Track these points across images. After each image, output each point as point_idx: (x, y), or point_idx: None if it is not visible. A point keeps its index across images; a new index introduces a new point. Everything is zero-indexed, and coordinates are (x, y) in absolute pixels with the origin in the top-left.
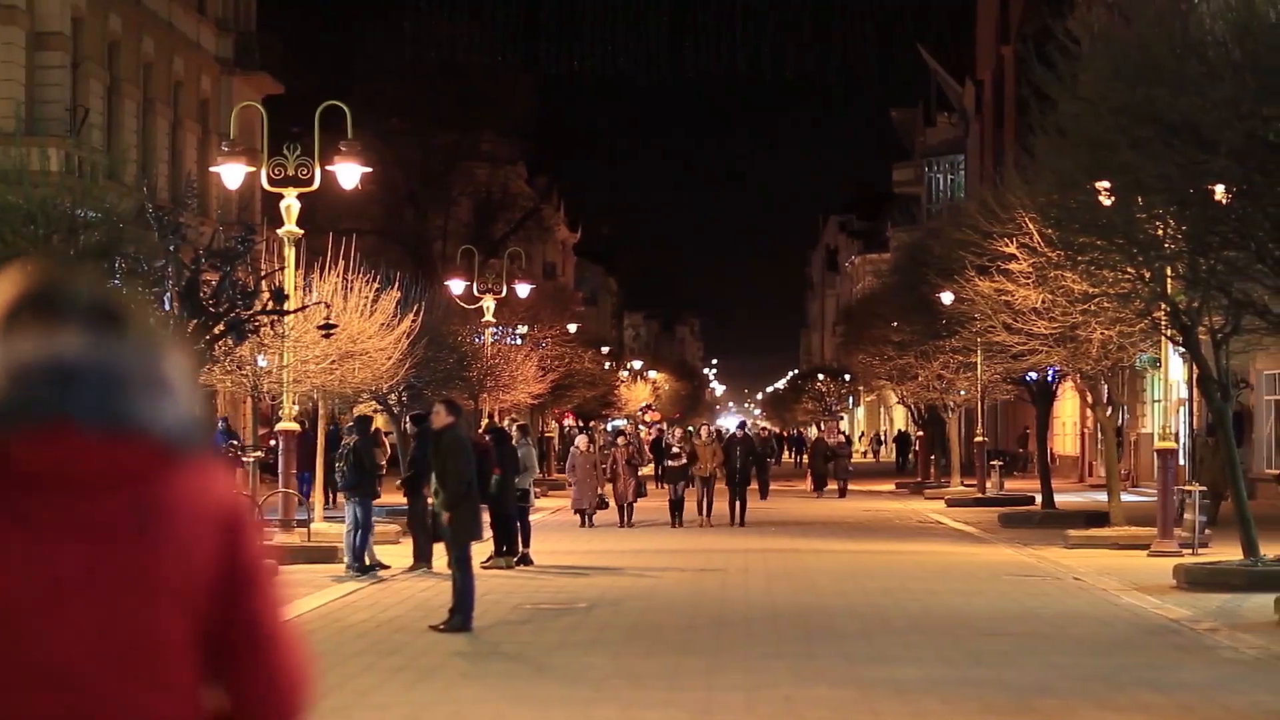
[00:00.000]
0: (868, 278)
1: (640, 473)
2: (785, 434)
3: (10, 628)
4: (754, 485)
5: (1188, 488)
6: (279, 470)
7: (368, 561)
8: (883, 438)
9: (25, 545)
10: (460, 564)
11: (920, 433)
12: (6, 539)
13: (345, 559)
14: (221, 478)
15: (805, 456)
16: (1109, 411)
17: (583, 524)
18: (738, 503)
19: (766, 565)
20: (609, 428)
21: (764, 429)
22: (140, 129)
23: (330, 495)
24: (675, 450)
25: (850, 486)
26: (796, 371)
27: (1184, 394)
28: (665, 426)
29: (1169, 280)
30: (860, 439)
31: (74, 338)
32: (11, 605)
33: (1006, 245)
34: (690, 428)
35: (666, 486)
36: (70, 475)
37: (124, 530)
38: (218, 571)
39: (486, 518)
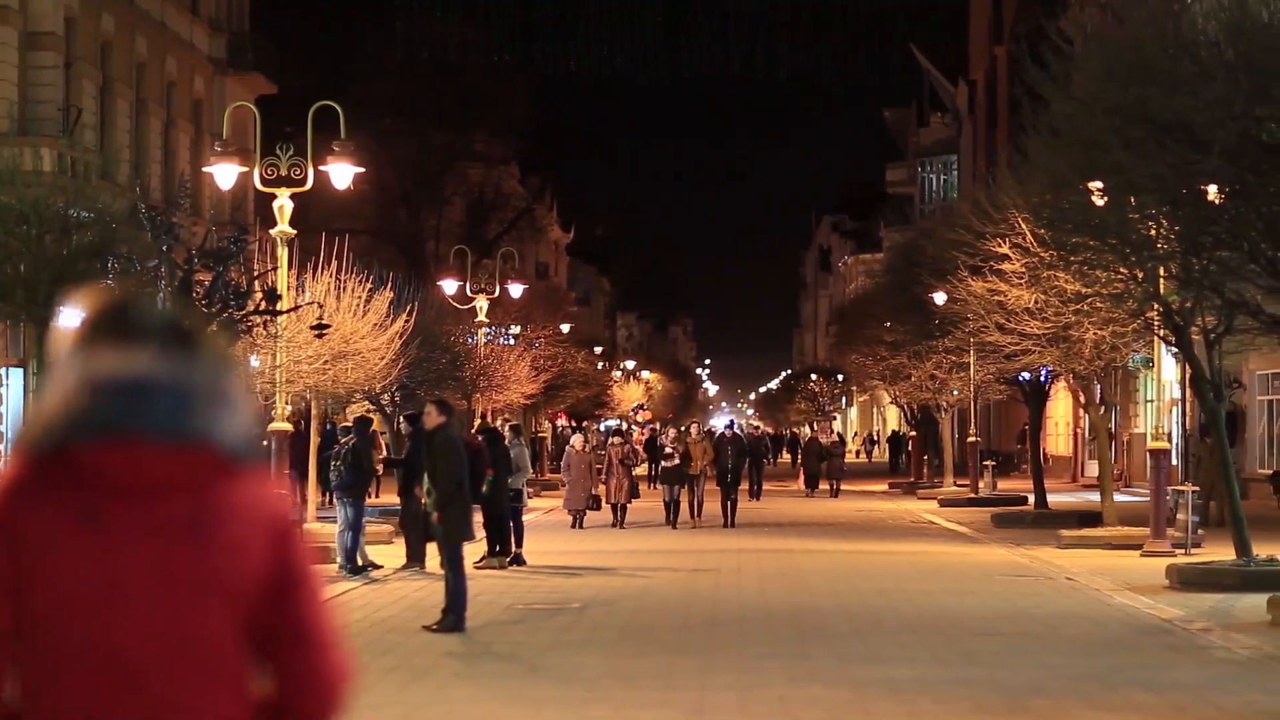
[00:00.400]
0: (861, 278)
1: (634, 473)
2: (780, 434)
3: (77, 618)
4: (745, 485)
5: (1180, 488)
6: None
7: (360, 562)
8: (876, 438)
9: (93, 543)
10: (452, 564)
11: (913, 433)
12: (77, 537)
13: (337, 559)
14: (272, 486)
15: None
16: (1102, 412)
17: (574, 525)
18: (729, 503)
19: (760, 565)
20: (602, 427)
21: (757, 428)
22: (133, 129)
23: (325, 495)
24: (669, 451)
25: (843, 486)
26: (789, 372)
27: (1177, 394)
28: (659, 426)
29: (1162, 280)
30: (853, 439)
31: (146, 357)
32: (79, 597)
33: (999, 245)
34: (681, 427)
35: (660, 487)
36: (136, 481)
37: (182, 532)
38: (266, 572)
39: (479, 518)
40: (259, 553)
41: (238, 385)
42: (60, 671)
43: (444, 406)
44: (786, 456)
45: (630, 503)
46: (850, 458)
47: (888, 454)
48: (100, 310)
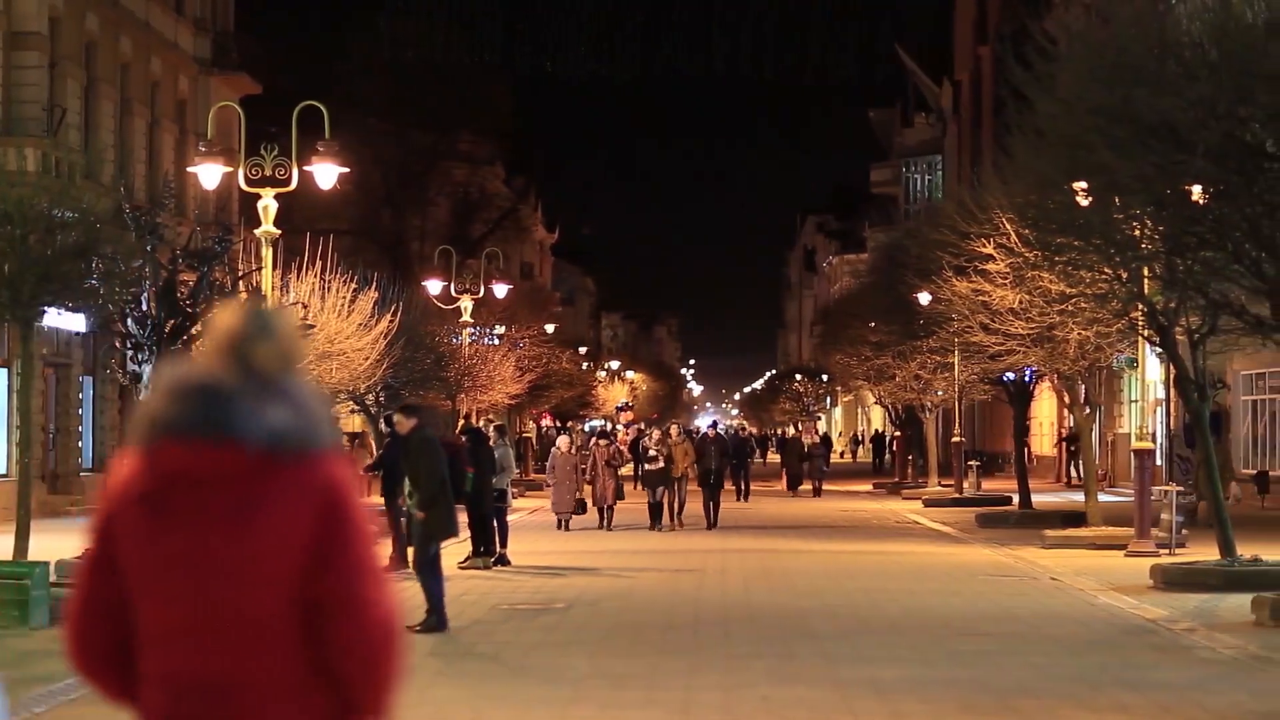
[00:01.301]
0: (845, 278)
1: (619, 473)
2: (766, 434)
3: (150, 591)
4: (729, 486)
5: (1165, 488)
6: None
7: None
8: (860, 438)
9: (154, 527)
10: (425, 566)
11: (898, 433)
12: (148, 524)
13: None
14: (326, 471)
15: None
16: (1086, 412)
17: (560, 526)
18: (711, 504)
19: (744, 565)
20: (586, 427)
21: (742, 427)
22: (118, 129)
23: None
24: (653, 453)
25: (828, 487)
26: (774, 372)
27: (1161, 395)
28: (643, 427)
29: (1146, 280)
30: (838, 439)
31: (216, 366)
32: (149, 574)
33: (984, 246)
34: (663, 428)
35: (645, 490)
36: (192, 474)
37: (230, 518)
38: (313, 550)
39: (463, 517)
40: (302, 534)
41: (301, 389)
42: (146, 637)
43: (412, 410)
44: (775, 456)
45: (616, 504)
46: (835, 458)
47: (871, 454)
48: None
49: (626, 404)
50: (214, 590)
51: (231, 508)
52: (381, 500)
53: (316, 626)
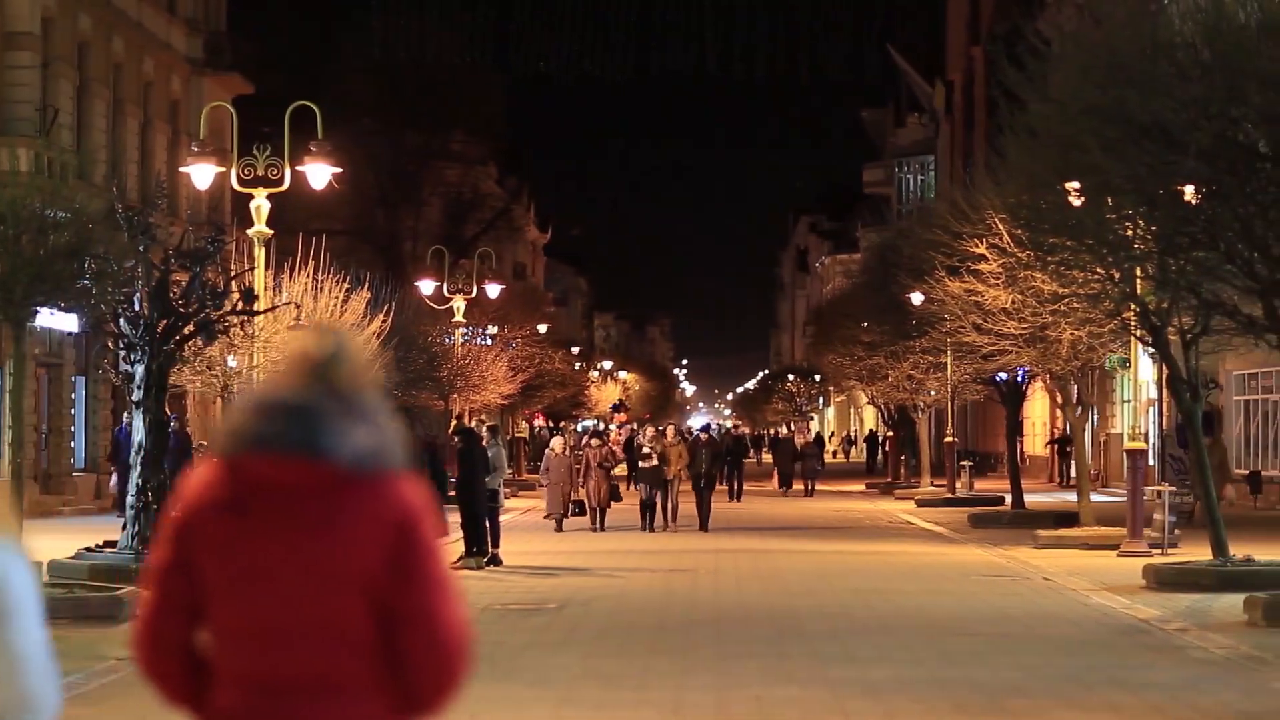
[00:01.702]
0: (838, 278)
1: (613, 475)
2: (760, 434)
3: (229, 594)
4: (721, 486)
5: (1158, 488)
6: None
7: None
8: (854, 438)
9: (241, 535)
10: None
11: (890, 433)
12: (228, 528)
13: None
14: (401, 489)
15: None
16: (1079, 412)
17: (558, 528)
18: (702, 505)
19: (737, 566)
20: (579, 428)
21: (735, 427)
22: (110, 129)
23: None
24: (646, 451)
25: (821, 487)
26: (767, 372)
27: (1154, 394)
28: (636, 426)
29: (1138, 281)
30: (830, 439)
31: (299, 386)
32: (230, 578)
33: (976, 246)
34: (659, 428)
35: (640, 488)
36: (276, 485)
37: (313, 527)
38: (389, 560)
39: (455, 518)
40: (380, 543)
41: (379, 410)
42: (223, 636)
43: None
44: (768, 457)
45: (610, 505)
46: (829, 458)
47: (865, 454)
48: (289, 353)
49: (621, 404)
50: (293, 595)
51: (313, 519)
52: None
53: (392, 634)
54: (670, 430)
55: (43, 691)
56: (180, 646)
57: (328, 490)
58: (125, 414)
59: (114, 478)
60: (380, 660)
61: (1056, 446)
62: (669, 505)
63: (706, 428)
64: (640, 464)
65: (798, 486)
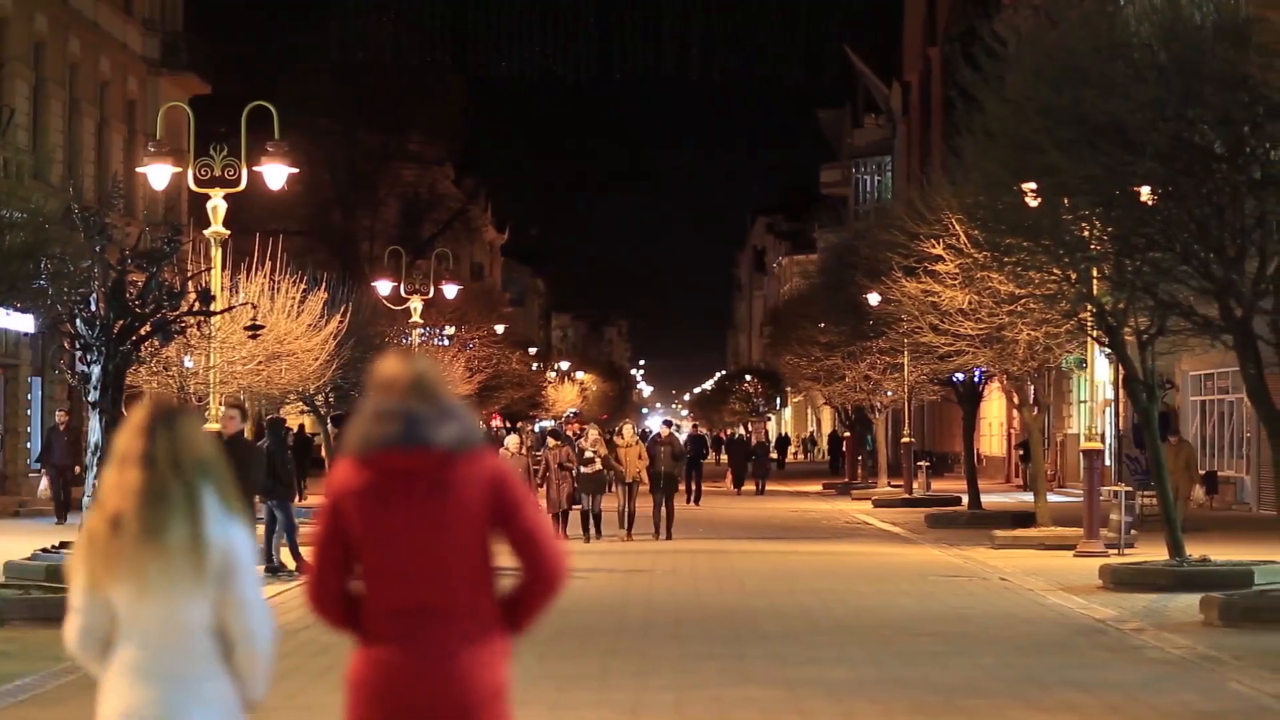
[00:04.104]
0: (795, 279)
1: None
2: (719, 435)
3: (375, 549)
4: (681, 488)
5: (1114, 488)
6: None
7: (274, 562)
8: (814, 439)
9: (380, 506)
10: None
11: (847, 433)
12: (375, 502)
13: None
14: (487, 458)
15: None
16: (1035, 412)
17: None
18: (664, 510)
19: (695, 566)
20: (536, 428)
21: (695, 427)
22: (66, 129)
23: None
24: (589, 455)
25: (779, 487)
26: (724, 373)
27: (1110, 395)
28: (578, 430)
29: (1095, 281)
30: (795, 439)
31: (404, 399)
32: (375, 538)
33: (933, 246)
34: (614, 428)
35: (581, 497)
36: (402, 469)
37: (428, 497)
38: (491, 505)
39: None
40: (483, 498)
41: (461, 409)
42: (371, 579)
43: (241, 409)
44: (725, 457)
45: (571, 509)
46: (791, 459)
47: (828, 454)
48: (379, 373)
49: (577, 413)
50: (417, 545)
51: (431, 489)
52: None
53: (515, 553)
54: (628, 429)
55: (262, 626)
56: (339, 591)
57: (436, 469)
58: (56, 413)
59: (44, 480)
60: (482, 591)
61: (1022, 450)
62: (624, 511)
63: (668, 423)
64: (582, 469)
65: (749, 486)
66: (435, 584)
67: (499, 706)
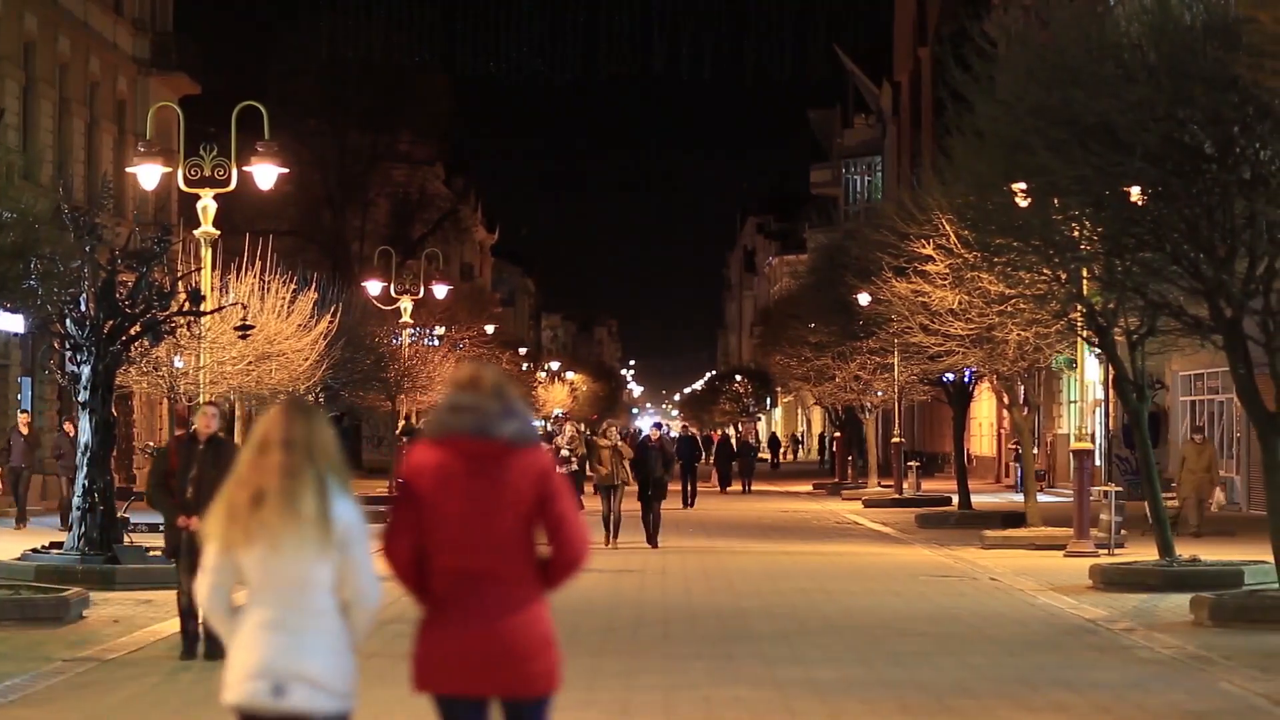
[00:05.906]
0: (785, 279)
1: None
2: (709, 435)
3: (442, 525)
4: (674, 487)
5: (1104, 488)
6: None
7: None
8: (801, 439)
9: (448, 487)
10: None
11: (838, 434)
12: (442, 484)
13: None
14: (539, 454)
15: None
16: (1025, 412)
17: None
18: (651, 517)
19: (684, 566)
20: None
21: (685, 427)
22: (56, 129)
23: None
24: (565, 454)
25: (769, 487)
26: (714, 373)
27: (1100, 395)
28: (555, 428)
29: (1085, 281)
30: (787, 440)
31: (474, 396)
32: (442, 515)
33: (923, 247)
34: (599, 428)
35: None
36: (469, 454)
37: (490, 480)
38: (536, 495)
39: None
40: (531, 487)
41: (522, 411)
42: (437, 550)
43: (223, 412)
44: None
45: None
46: (782, 458)
47: (819, 454)
48: (458, 375)
49: (565, 414)
50: (478, 519)
51: (491, 473)
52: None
53: (548, 535)
54: (613, 430)
55: (374, 589)
56: (411, 556)
57: (497, 457)
58: (18, 413)
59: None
60: (528, 561)
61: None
62: (609, 517)
63: (658, 425)
64: (558, 469)
65: (735, 487)
66: (490, 552)
67: (550, 653)
